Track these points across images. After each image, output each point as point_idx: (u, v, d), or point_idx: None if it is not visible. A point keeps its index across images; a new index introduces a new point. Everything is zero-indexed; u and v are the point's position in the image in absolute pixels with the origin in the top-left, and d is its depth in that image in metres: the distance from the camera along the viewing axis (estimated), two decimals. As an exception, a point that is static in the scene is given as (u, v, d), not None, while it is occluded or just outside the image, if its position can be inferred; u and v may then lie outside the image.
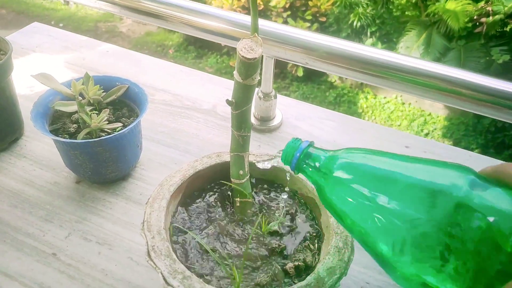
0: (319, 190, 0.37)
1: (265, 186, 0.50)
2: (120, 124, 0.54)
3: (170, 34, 4.21)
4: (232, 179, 0.46)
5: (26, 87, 0.75)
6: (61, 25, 4.10)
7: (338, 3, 4.78)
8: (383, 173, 0.33)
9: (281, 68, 3.98)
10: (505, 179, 0.29)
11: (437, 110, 3.80)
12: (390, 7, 5.17)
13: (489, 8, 4.46)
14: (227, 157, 0.48)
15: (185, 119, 0.72)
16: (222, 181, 0.48)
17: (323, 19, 4.48)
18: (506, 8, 4.40)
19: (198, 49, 4.12)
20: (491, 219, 0.28)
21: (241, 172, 0.45)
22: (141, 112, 0.56)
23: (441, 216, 0.29)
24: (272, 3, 3.99)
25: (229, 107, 0.42)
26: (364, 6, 4.97)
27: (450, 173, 0.31)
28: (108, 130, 0.54)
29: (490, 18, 4.49)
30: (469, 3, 4.53)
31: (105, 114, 0.53)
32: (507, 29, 4.58)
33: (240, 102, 0.41)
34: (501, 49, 4.14)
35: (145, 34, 4.25)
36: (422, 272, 0.30)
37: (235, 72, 0.39)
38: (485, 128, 3.45)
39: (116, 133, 0.53)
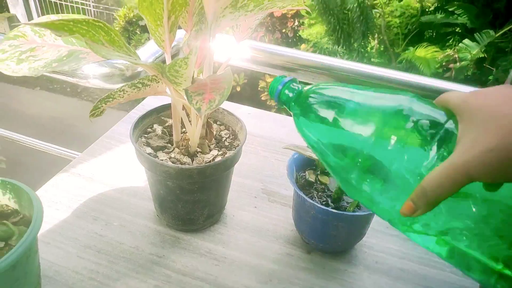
0: (296, 120, 0.42)
1: None
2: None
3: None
4: None
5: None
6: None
7: (318, 52, 4.99)
8: (343, 98, 0.39)
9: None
10: (441, 104, 0.37)
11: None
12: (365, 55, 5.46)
13: (456, 56, 4.82)
14: None
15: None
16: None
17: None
18: (471, 56, 4.77)
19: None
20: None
21: None
22: None
23: (386, 119, 0.36)
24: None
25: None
26: (341, 54, 5.23)
27: (398, 95, 0.38)
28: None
29: (458, 64, 4.85)
30: (437, 51, 4.89)
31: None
32: (469, 73, 4.98)
33: None
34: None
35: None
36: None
37: None
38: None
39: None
